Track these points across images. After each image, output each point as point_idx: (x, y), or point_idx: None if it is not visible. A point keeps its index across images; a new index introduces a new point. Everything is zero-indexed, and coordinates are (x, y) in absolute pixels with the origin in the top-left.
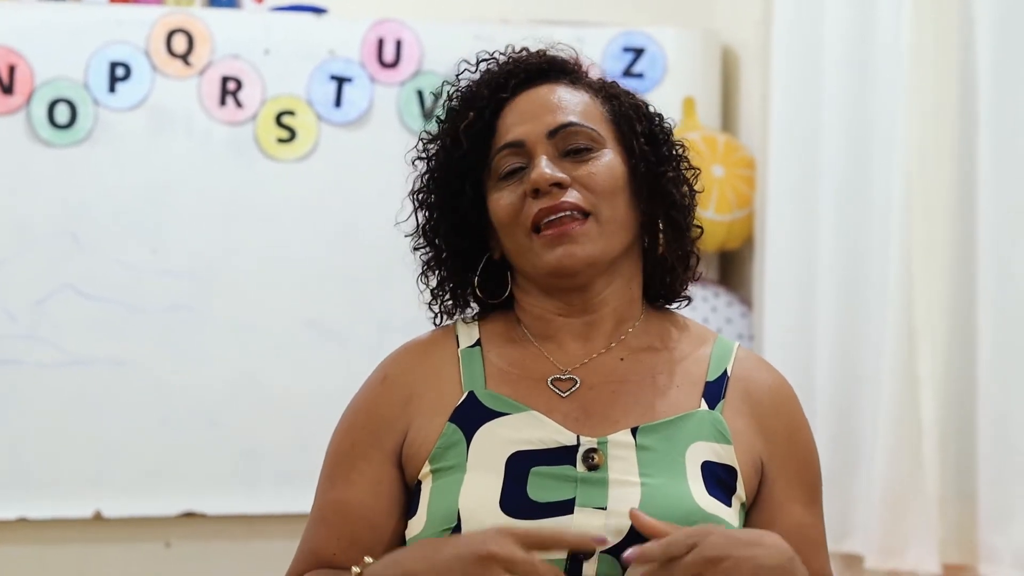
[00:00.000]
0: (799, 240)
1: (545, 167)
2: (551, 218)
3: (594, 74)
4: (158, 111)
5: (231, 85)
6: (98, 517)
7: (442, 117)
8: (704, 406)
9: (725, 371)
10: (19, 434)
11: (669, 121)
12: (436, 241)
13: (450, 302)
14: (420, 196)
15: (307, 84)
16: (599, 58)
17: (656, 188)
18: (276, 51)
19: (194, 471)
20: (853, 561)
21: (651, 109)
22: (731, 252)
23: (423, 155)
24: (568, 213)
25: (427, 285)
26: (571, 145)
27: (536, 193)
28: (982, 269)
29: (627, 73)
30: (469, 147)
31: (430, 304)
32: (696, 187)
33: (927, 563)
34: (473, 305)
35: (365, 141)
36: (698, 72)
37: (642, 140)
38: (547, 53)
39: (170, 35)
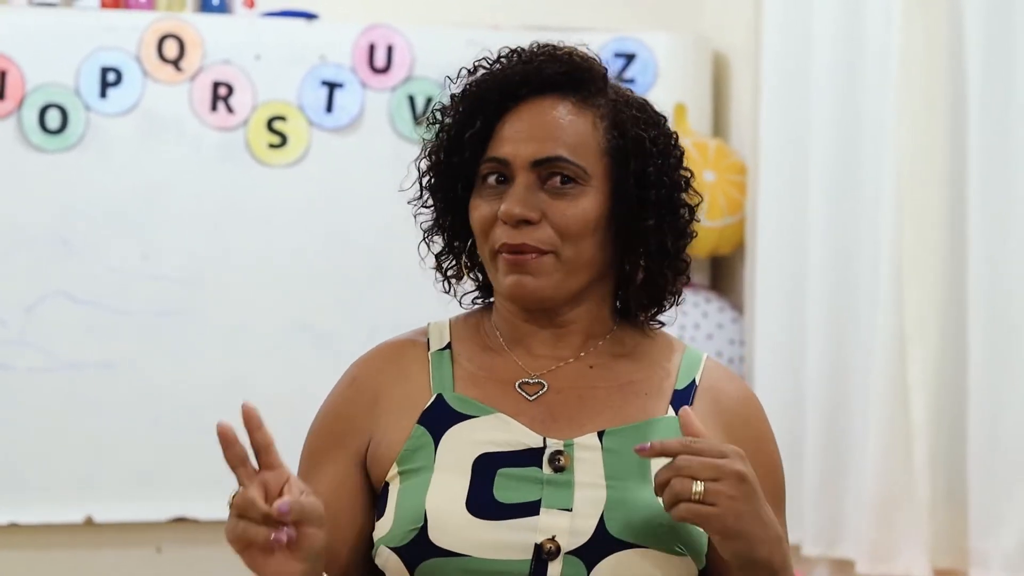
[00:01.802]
0: (790, 245)
1: (516, 202)
2: (512, 251)
3: (621, 87)
4: (149, 116)
5: (222, 90)
6: (89, 522)
7: (458, 102)
8: (671, 413)
9: (693, 380)
10: (10, 439)
11: (679, 148)
12: (434, 208)
13: (454, 268)
14: (426, 163)
15: (298, 89)
16: None
17: (634, 233)
18: (267, 56)
19: (185, 476)
20: (844, 566)
21: (655, 137)
22: (722, 257)
23: (433, 123)
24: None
25: (429, 250)
26: (553, 176)
27: (504, 221)
28: (972, 274)
29: (618, 79)
30: (468, 152)
31: (436, 268)
32: (696, 216)
33: (918, 568)
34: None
35: (356, 146)
36: (689, 77)
37: (632, 181)
38: (567, 57)
39: (161, 40)
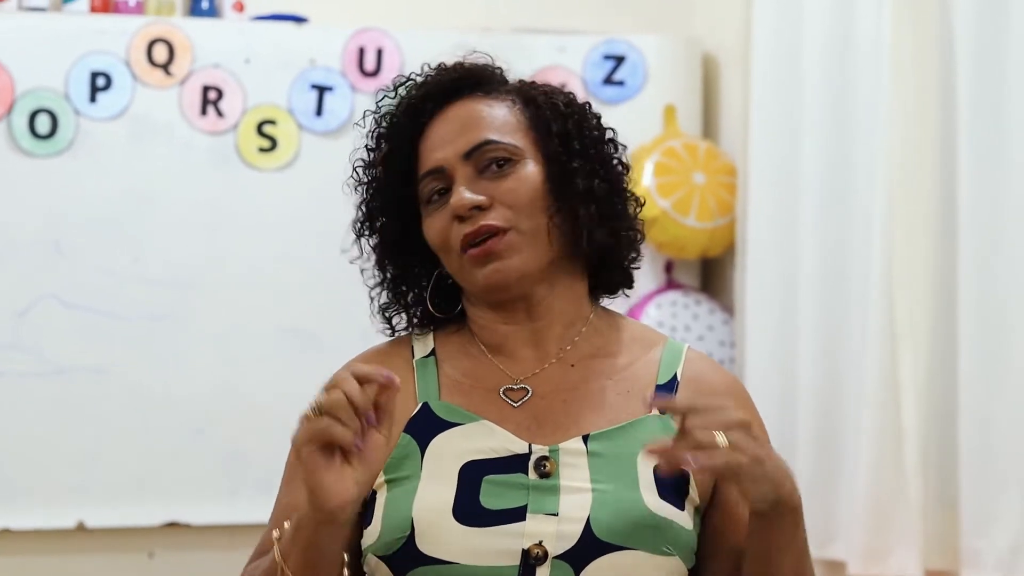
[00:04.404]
0: (781, 247)
1: (463, 193)
2: (475, 241)
3: (516, 77)
4: (139, 121)
5: (212, 94)
6: (81, 528)
7: (370, 145)
8: (655, 411)
9: (675, 375)
10: (1, 444)
11: (593, 113)
12: (384, 263)
13: (402, 321)
14: (361, 224)
15: (288, 93)
16: (580, 66)
17: (570, 186)
18: (257, 60)
19: (177, 481)
20: (836, 567)
21: (568, 102)
22: (713, 259)
23: (358, 183)
24: (489, 235)
25: (376, 303)
26: (488, 162)
27: (460, 218)
28: (963, 274)
29: (608, 81)
30: (398, 178)
31: (378, 318)
32: (624, 159)
33: (910, 569)
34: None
35: (346, 150)
36: (679, 79)
37: (556, 141)
38: (459, 65)
39: (151, 45)
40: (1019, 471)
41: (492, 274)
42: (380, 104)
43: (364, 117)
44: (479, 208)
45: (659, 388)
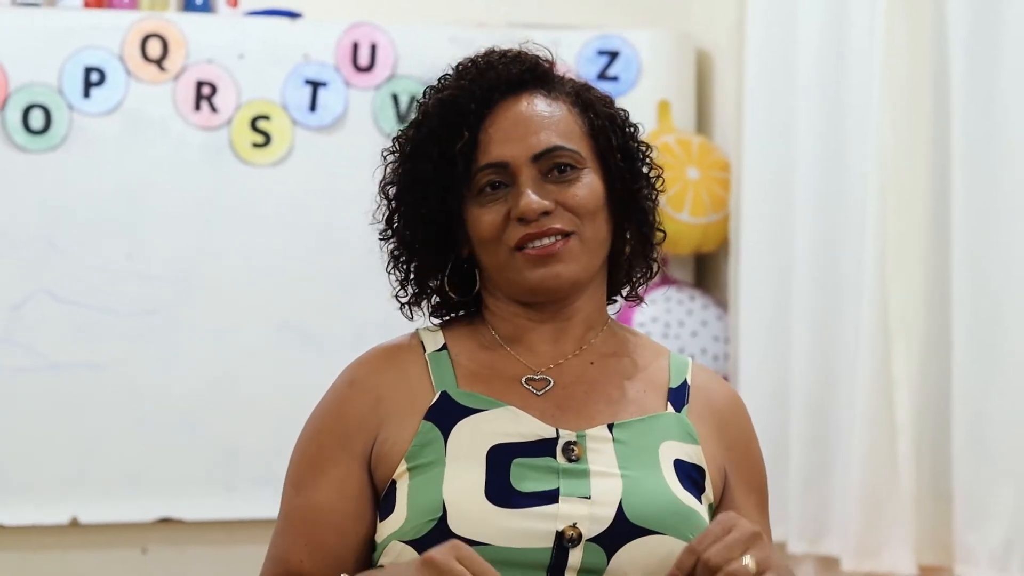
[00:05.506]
0: (774, 242)
1: (532, 197)
2: (536, 244)
3: (568, 75)
4: (133, 116)
5: (206, 90)
6: (75, 523)
7: (422, 122)
8: (671, 410)
9: (685, 380)
10: None
11: (639, 124)
12: (406, 235)
13: (417, 291)
14: (393, 191)
15: (282, 88)
16: (574, 61)
17: (632, 205)
18: (251, 55)
19: (171, 476)
20: (830, 563)
21: (624, 115)
22: (706, 255)
23: (397, 151)
24: (553, 239)
25: (395, 275)
26: (553, 167)
27: (522, 219)
28: (956, 270)
29: (602, 76)
30: (448, 160)
31: (397, 294)
32: (660, 187)
33: (903, 564)
34: (437, 298)
35: (340, 145)
36: (673, 75)
37: (618, 156)
38: (523, 55)
39: (144, 40)
40: (1012, 466)
41: (549, 278)
42: (441, 82)
43: (424, 95)
44: (545, 213)
45: (672, 391)
